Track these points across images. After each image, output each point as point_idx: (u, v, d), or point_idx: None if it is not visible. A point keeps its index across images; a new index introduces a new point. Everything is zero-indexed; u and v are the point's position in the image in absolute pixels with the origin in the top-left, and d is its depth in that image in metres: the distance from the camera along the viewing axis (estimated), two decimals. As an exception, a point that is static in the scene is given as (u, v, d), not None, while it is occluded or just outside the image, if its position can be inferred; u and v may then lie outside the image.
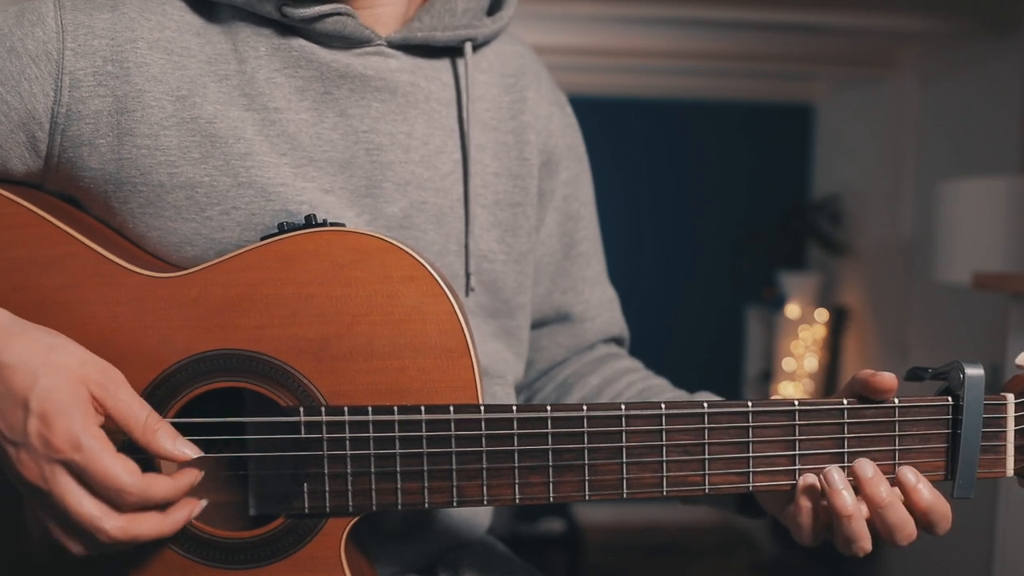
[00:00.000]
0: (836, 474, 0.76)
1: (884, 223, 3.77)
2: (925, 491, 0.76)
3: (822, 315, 4.05)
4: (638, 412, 0.78)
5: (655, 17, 3.09)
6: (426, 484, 0.78)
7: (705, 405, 0.78)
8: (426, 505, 0.78)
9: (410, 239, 0.89)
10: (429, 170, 0.90)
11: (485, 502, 0.79)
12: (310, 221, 0.80)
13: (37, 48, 0.81)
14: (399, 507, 0.78)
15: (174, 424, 0.77)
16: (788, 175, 4.51)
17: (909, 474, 0.77)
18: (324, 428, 0.77)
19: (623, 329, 1.10)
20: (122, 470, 0.70)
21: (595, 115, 4.10)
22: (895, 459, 0.79)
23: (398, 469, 0.78)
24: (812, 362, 4.02)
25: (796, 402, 0.78)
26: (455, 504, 0.79)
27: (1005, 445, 0.79)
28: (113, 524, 0.71)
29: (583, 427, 0.78)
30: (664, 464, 0.78)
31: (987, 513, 2.07)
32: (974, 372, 0.77)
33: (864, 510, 0.76)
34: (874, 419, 0.79)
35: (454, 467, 0.78)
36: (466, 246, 0.92)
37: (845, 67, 3.83)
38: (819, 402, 0.78)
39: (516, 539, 3.36)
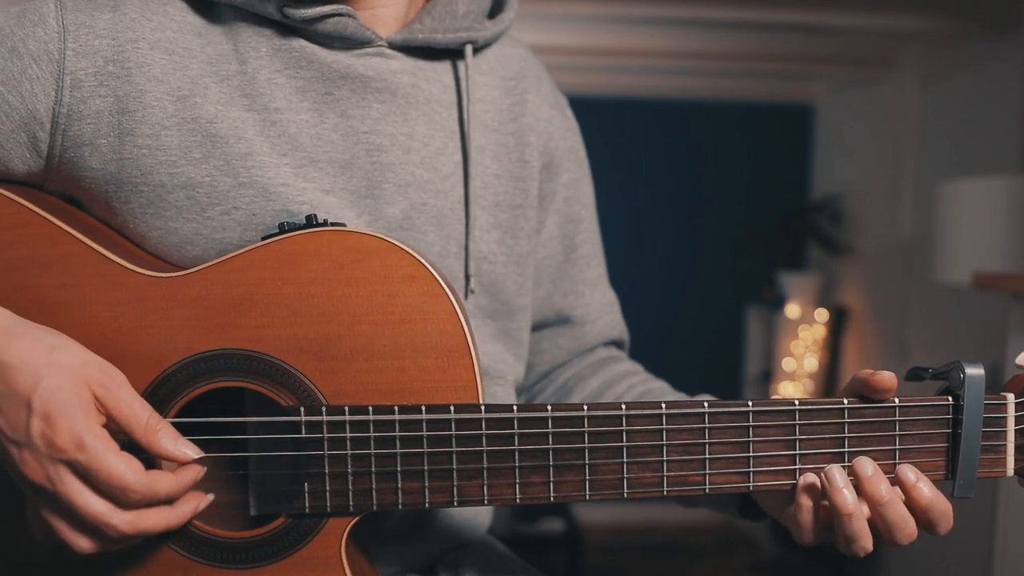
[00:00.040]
0: (837, 472, 0.76)
1: (884, 223, 3.77)
2: (925, 489, 0.76)
3: (822, 315, 4.05)
4: (639, 412, 0.78)
5: (655, 17, 3.09)
6: (427, 484, 0.78)
7: (705, 405, 0.78)
8: (427, 505, 0.78)
9: (410, 241, 0.89)
10: (429, 172, 0.90)
11: (486, 502, 0.79)
12: (311, 221, 0.80)
13: (38, 48, 0.81)
14: (400, 507, 0.78)
15: (175, 424, 0.77)
16: (788, 175, 4.51)
17: (909, 472, 0.77)
18: (325, 428, 0.78)
19: (623, 332, 1.10)
20: (126, 469, 0.71)
21: (595, 115, 4.10)
22: (895, 459, 0.79)
23: (399, 469, 0.78)
24: (812, 362, 4.02)
25: (796, 402, 0.78)
26: (456, 504, 0.79)
27: (1005, 445, 0.79)
28: (121, 519, 0.71)
29: (584, 427, 0.78)
30: (665, 464, 0.78)
31: (987, 513, 2.07)
32: (974, 372, 0.77)
33: (865, 509, 0.76)
34: (874, 419, 0.79)
35: (455, 467, 0.78)
36: (466, 248, 0.92)
37: (845, 67, 3.83)
38: (819, 402, 0.79)
39: (516, 539, 3.36)
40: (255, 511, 0.81)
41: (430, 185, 0.90)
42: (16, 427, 0.71)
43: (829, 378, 3.97)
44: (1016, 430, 0.79)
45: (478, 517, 0.98)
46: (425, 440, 0.77)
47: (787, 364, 4.09)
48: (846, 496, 0.75)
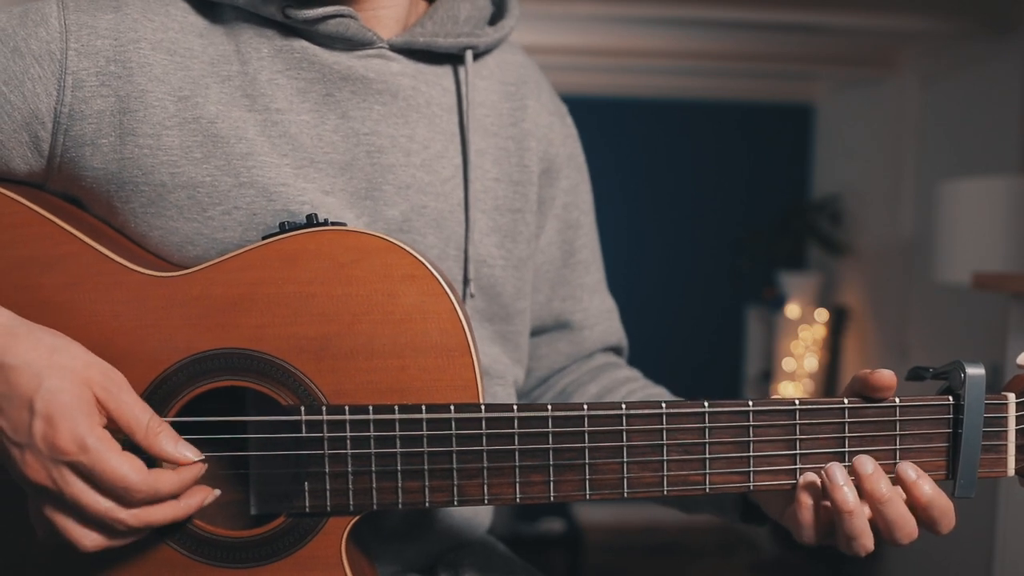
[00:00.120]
0: (838, 470, 0.76)
1: (884, 223, 3.77)
2: (926, 486, 0.76)
3: (822, 315, 4.05)
4: (639, 411, 0.78)
5: (655, 17, 3.09)
6: (427, 483, 0.78)
7: (705, 404, 0.78)
8: (427, 504, 0.78)
9: (409, 243, 0.89)
10: (430, 174, 0.90)
11: (486, 501, 0.79)
12: (311, 221, 0.80)
13: (40, 48, 0.81)
14: (400, 506, 0.78)
15: (175, 423, 0.77)
16: (788, 175, 4.51)
17: (909, 470, 0.77)
18: (325, 427, 0.78)
19: (621, 339, 1.11)
20: (129, 469, 0.71)
21: (595, 115, 4.11)
22: (896, 458, 0.79)
23: (399, 468, 0.78)
24: (812, 362, 4.02)
25: (797, 401, 0.78)
26: (456, 503, 0.79)
27: (1006, 445, 0.79)
28: (128, 512, 0.72)
29: (584, 426, 0.78)
30: (665, 463, 0.78)
31: (987, 513, 2.07)
32: (975, 372, 0.77)
33: (866, 508, 0.76)
34: (875, 418, 0.79)
35: (455, 466, 0.78)
36: (465, 251, 0.92)
37: (845, 67, 3.83)
38: (820, 401, 0.79)
39: (516, 539, 3.36)
40: (255, 510, 0.81)
41: (430, 188, 0.90)
42: (18, 428, 0.71)
43: (829, 378, 3.97)
44: (1017, 430, 0.79)
45: (478, 517, 0.98)
46: (425, 439, 0.77)
47: (787, 364, 4.09)
48: (846, 493, 0.75)
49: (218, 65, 0.85)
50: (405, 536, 0.93)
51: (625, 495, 0.79)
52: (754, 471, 0.79)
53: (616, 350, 1.11)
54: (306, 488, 0.78)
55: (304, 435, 0.78)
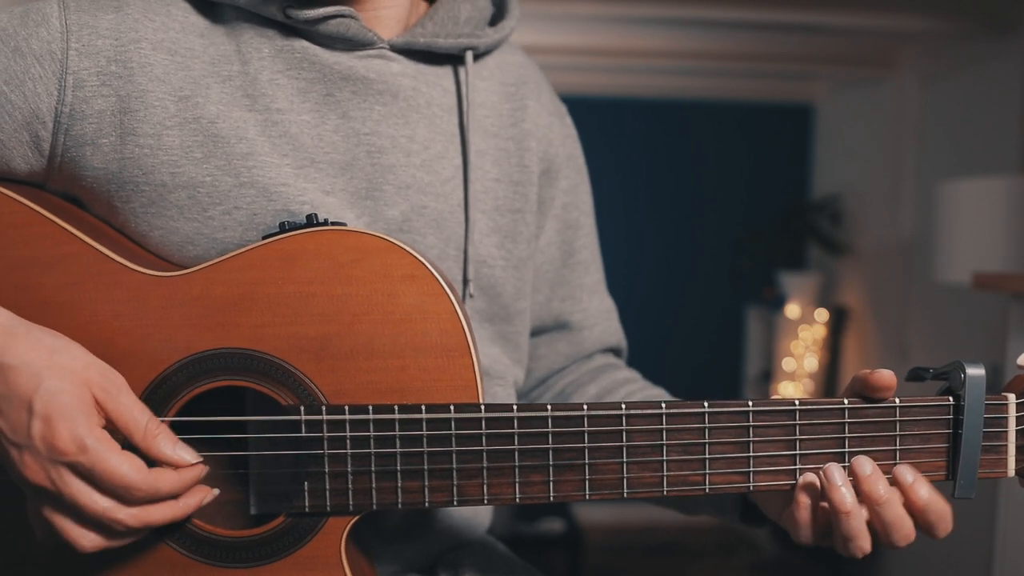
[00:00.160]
0: (836, 471, 0.76)
1: (884, 223, 3.77)
2: (922, 489, 0.76)
3: (822, 315, 4.05)
4: (639, 411, 0.78)
5: (655, 17, 3.08)
6: (426, 483, 0.78)
7: (706, 404, 0.78)
8: (426, 504, 0.78)
9: (409, 243, 0.89)
10: (430, 174, 0.90)
11: (485, 501, 0.79)
12: (311, 220, 0.80)
13: (41, 48, 0.81)
14: (399, 506, 0.78)
15: (175, 423, 0.77)
16: (788, 175, 4.51)
17: (906, 472, 0.77)
18: (325, 427, 0.78)
19: (621, 339, 1.11)
20: (129, 468, 0.71)
21: (595, 115, 4.11)
22: (896, 459, 0.79)
23: (398, 468, 0.78)
24: (812, 362, 4.02)
25: (797, 402, 0.78)
26: (455, 503, 0.79)
27: (1006, 445, 0.79)
28: (127, 512, 0.72)
29: (584, 426, 0.78)
30: (664, 464, 0.78)
31: (987, 513, 2.07)
32: (975, 372, 0.77)
33: (864, 510, 0.76)
34: (875, 419, 0.79)
35: (454, 466, 0.78)
36: (465, 251, 0.92)
37: (845, 67, 3.83)
38: (820, 402, 0.78)
39: (516, 539, 3.36)
40: (255, 510, 0.81)
41: (430, 188, 0.90)
42: (17, 429, 0.71)
43: (829, 378, 3.97)
44: (1017, 430, 0.79)
45: (478, 517, 0.98)
46: (425, 439, 0.77)
47: (787, 364, 4.09)
48: (844, 494, 0.75)
49: (219, 65, 0.85)
50: (405, 536, 0.93)
51: (625, 495, 0.79)
52: (754, 471, 0.79)
53: (615, 351, 1.11)
54: (306, 488, 0.78)
55: (304, 435, 0.78)
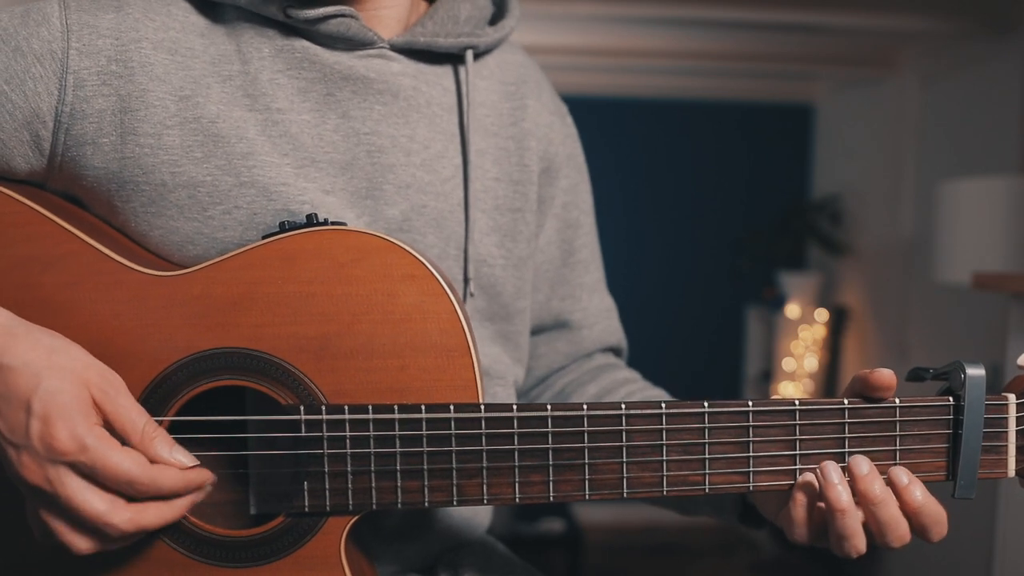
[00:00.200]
0: (833, 469, 0.76)
1: (884, 223, 3.77)
2: (917, 492, 0.76)
3: (822, 315, 4.05)
4: (638, 411, 0.78)
5: (655, 17, 3.08)
6: (426, 483, 0.78)
7: (705, 404, 0.78)
8: (426, 504, 0.78)
9: (409, 242, 0.89)
10: (430, 174, 0.90)
11: (485, 501, 0.79)
12: (311, 220, 0.80)
13: (42, 47, 0.81)
14: (399, 506, 0.78)
15: (175, 422, 0.77)
16: (788, 175, 4.51)
17: (902, 475, 0.77)
18: (324, 427, 0.77)
19: (621, 339, 1.10)
20: (132, 463, 0.71)
21: (595, 115, 4.11)
22: (896, 459, 0.79)
23: (398, 468, 0.78)
24: (812, 362, 4.02)
25: (797, 402, 0.78)
26: (455, 503, 0.79)
27: (1006, 446, 0.79)
28: (121, 517, 0.71)
29: (583, 426, 0.78)
30: (664, 464, 0.78)
31: (987, 513, 2.07)
32: (975, 372, 0.77)
33: (860, 511, 0.76)
34: (875, 419, 0.79)
35: (454, 466, 0.78)
36: (465, 251, 0.92)
37: (845, 67, 3.83)
38: (820, 402, 0.78)
39: (516, 539, 3.36)
40: (255, 510, 0.81)
41: (430, 187, 0.90)
42: (15, 429, 0.71)
43: (829, 378, 3.97)
44: (1017, 431, 0.79)
45: (477, 517, 0.98)
46: (425, 439, 0.77)
47: (787, 364, 4.09)
48: (840, 492, 0.75)
49: (219, 65, 0.85)
50: (404, 536, 0.93)
51: (625, 495, 0.79)
52: (754, 471, 0.79)
53: (615, 350, 1.11)
54: (305, 488, 0.78)
55: (303, 435, 0.78)
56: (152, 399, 0.78)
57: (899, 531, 0.76)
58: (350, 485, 0.78)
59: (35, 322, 0.76)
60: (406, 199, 0.89)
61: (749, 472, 0.79)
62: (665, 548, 4.22)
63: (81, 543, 0.73)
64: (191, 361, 0.79)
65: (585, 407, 0.78)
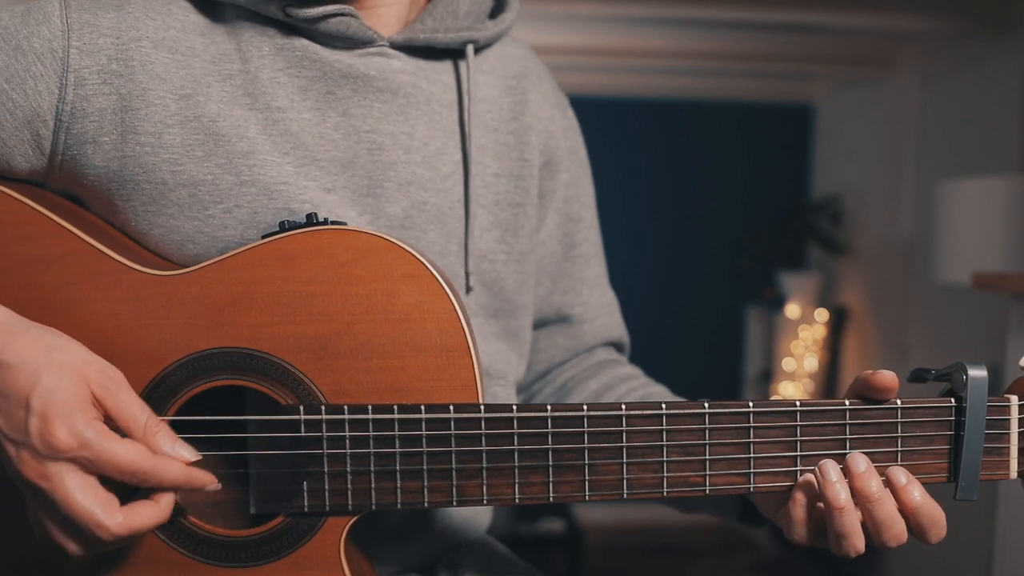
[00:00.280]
0: (832, 468, 0.76)
1: (884, 223, 3.77)
2: (915, 492, 0.76)
3: (822, 315, 4.05)
4: (639, 412, 0.78)
5: (655, 17, 3.08)
6: (426, 483, 0.78)
7: (706, 405, 0.78)
8: (426, 504, 0.78)
9: (411, 239, 0.89)
10: (430, 171, 0.90)
11: (485, 502, 0.79)
12: (311, 220, 0.80)
13: (43, 46, 0.81)
14: (399, 506, 0.78)
15: (175, 422, 0.77)
16: (788, 175, 4.51)
17: (900, 474, 0.77)
18: (324, 427, 0.77)
19: (622, 334, 1.10)
20: (136, 454, 0.71)
21: (595, 115, 4.10)
22: (897, 460, 0.79)
23: (398, 468, 0.77)
24: (812, 362, 4.02)
25: (798, 403, 0.78)
26: (455, 504, 0.78)
27: (1008, 447, 0.79)
28: (114, 521, 0.71)
29: (583, 427, 0.77)
30: (665, 464, 0.78)
31: (987, 513, 2.07)
32: (977, 373, 0.77)
33: (858, 509, 0.76)
34: (876, 420, 0.78)
35: (454, 466, 0.78)
36: (465, 246, 0.92)
37: (845, 67, 3.83)
38: (821, 403, 0.78)
39: (516, 539, 3.36)
40: (255, 510, 0.81)
41: (430, 184, 0.90)
42: (14, 426, 0.71)
43: (829, 378, 3.97)
44: (1020, 432, 0.79)
45: (477, 517, 0.98)
46: (424, 439, 0.77)
47: (787, 364, 4.09)
48: (838, 490, 0.75)
49: (219, 64, 0.84)
50: (404, 536, 0.93)
51: (625, 496, 0.79)
52: (754, 472, 0.79)
53: (617, 345, 1.11)
54: (305, 488, 0.78)
55: (303, 435, 0.77)
56: (152, 398, 0.78)
57: (895, 530, 0.76)
58: (349, 485, 0.78)
59: (35, 321, 0.76)
60: (407, 196, 0.89)
61: (750, 473, 0.78)
62: (665, 548, 4.22)
63: (72, 545, 0.72)
64: (191, 361, 0.79)
65: (585, 408, 0.78)
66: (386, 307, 0.78)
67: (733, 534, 4.35)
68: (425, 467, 0.77)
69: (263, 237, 0.80)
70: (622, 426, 0.78)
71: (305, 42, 0.86)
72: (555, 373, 1.07)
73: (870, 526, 0.76)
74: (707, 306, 4.50)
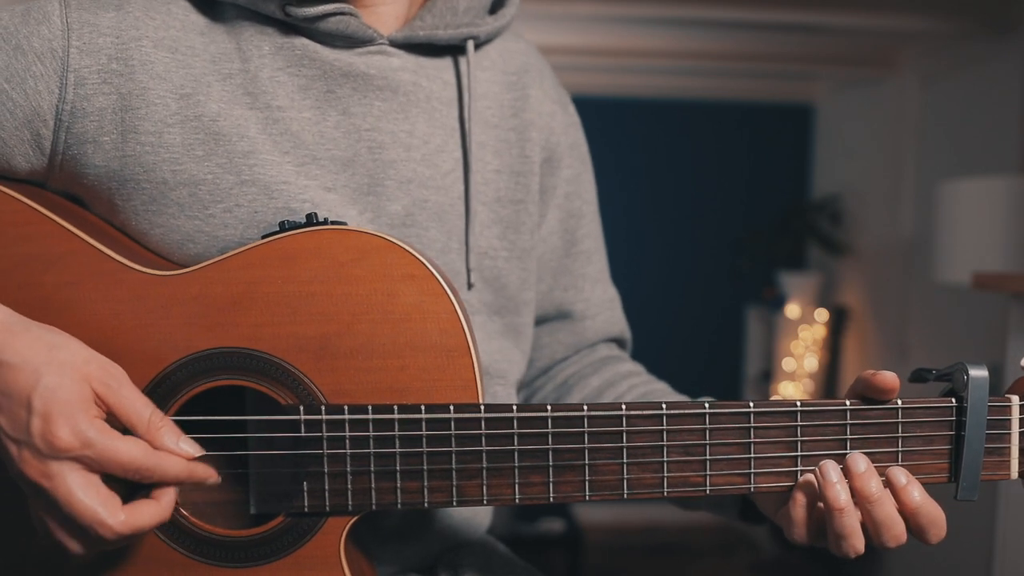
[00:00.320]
0: (832, 468, 0.76)
1: (884, 223, 3.77)
2: (914, 492, 0.76)
3: (822, 315, 4.05)
4: (639, 412, 0.78)
5: (655, 17, 3.08)
6: (426, 483, 0.78)
7: (707, 405, 0.78)
8: (426, 505, 0.78)
9: (412, 237, 0.89)
10: (430, 168, 0.90)
11: (485, 502, 0.79)
12: (311, 220, 0.80)
13: (43, 46, 0.81)
14: (399, 506, 0.78)
15: (175, 422, 0.77)
16: (788, 175, 4.51)
17: (900, 475, 0.77)
18: (324, 427, 0.77)
19: (624, 330, 1.10)
20: (139, 451, 0.71)
21: (595, 115, 4.10)
22: (898, 460, 0.79)
23: (398, 468, 0.77)
24: (812, 362, 4.02)
25: (798, 403, 0.78)
26: (455, 504, 0.78)
27: (1009, 447, 0.79)
28: (116, 519, 0.71)
29: (584, 427, 0.77)
30: (665, 464, 0.78)
31: (987, 513, 2.07)
32: (978, 373, 0.77)
33: (858, 511, 0.76)
34: (877, 420, 0.78)
35: (454, 466, 0.78)
36: (466, 243, 0.92)
37: (845, 67, 3.83)
38: (821, 403, 0.78)
39: (516, 539, 3.36)
40: (255, 510, 0.80)
41: (431, 182, 0.90)
42: (16, 426, 0.71)
43: (829, 378, 3.97)
44: (1021, 433, 0.79)
45: (477, 517, 0.98)
46: (424, 440, 0.77)
47: (787, 364, 4.09)
48: (839, 491, 0.75)
49: (219, 63, 0.84)
50: (404, 536, 0.93)
51: (625, 496, 0.79)
52: (755, 472, 0.78)
53: (619, 341, 1.11)
54: (305, 488, 0.78)
55: (303, 435, 0.77)
56: (152, 398, 0.78)
57: (895, 531, 0.76)
58: (350, 485, 0.78)
59: (35, 320, 0.76)
60: (407, 194, 0.89)
61: (750, 473, 0.78)
62: (665, 548, 4.22)
63: (74, 544, 0.72)
64: (190, 361, 0.79)
65: (585, 408, 0.77)
66: (386, 307, 0.78)
67: (733, 534, 4.35)
68: (425, 467, 0.77)
69: (263, 237, 0.80)
70: (622, 426, 0.78)
71: (305, 41, 0.86)
72: (557, 369, 1.07)
73: (869, 526, 0.76)
74: (707, 306, 4.50)
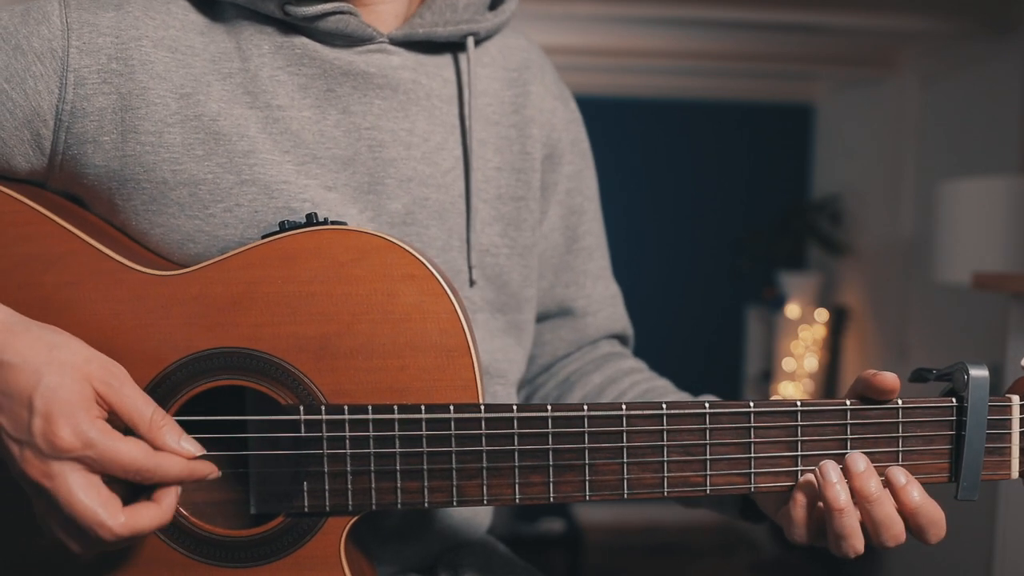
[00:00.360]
0: (832, 468, 0.76)
1: (884, 223, 3.77)
2: (914, 492, 0.76)
3: (822, 315, 4.05)
4: (639, 412, 0.78)
5: (655, 17, 3.08)
6: (426, 483, 0.78)
7: (707, 405, 0.78)
8: (426, 504, 0.78)
9: (412, 235, 0.89)
10: (431, 166, 0.90)
11: (485, 502, 0.79)
12: (311, 219, 0.80)
13: (42, 46, 0.81)
14: (399, 506, 0.78)
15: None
16: (788, 175, 4.51)
17: (899, 474, 0.77)
18: (324, 427, 0.77)
19: (626, 326, 1.10)
20: (139, 452, 0.71)
21: (595, 115, 4.10)
22: (898, 460, 0.78)
23: (398, 468, 0.77)
24: (812, 362, 4.02)
25: (799, 403, 0.78)
26: (455, 504, 0.78)
27: (1010, 447, 0.79)
28: (116, 521, 0.71)
29: (584, 427, 0.77)
30: (665, 464, 0.78)
31: (987, 513, 2.07)
32: (978, 373, 0.77)
33: (858, 511, 0.76)
34: (877, 420, 0.78)
35: (454, 466, 0.77)
36: (467, 241, 0.92)
37: (845, 67, 3.83)
38: (822, 403, 0.78)
39: (516, 539, 3.36)
40: (255, 510, 0.80)
41: (431, 180, 0.90)
42: (18, 426, 0.71)
43: (829, 378, 3.97)
44: (1021, 432, 0.79)
45: (478, 517, 0.98)
46: (424, 440, 0.77)
47: (787, 364, 4.09)
48: (838, 491, 0.75)
49: (219, 62, 0.84)
50: (404, 536, 0.93)
51: (625, 496, 0.79)
52: (755, 472, 0.78)
53: (621, 338, 1.11)
54: (305, 488, 0.78)
55: (303, 435, 0.77)
56: (152, 398, 0.78)
57: (894, 530, 0.76)
58: (350, 485, 0.78)
59: (35, 320, 0.76)
60: (408, 192, 0.89)
61: (750, 473, 0.78)
62: (665, 548, 4.22)
63: (75, 545, 0.73)
64: (191, 361, 0.79)
65: (586, 407, 0.77)
66: (386, 307, 0.78)
67: (733, 534, 4.35)
68: (425, 467, 0.77)
69: (263, 237, 0.80)
70: (622, 426, 0.77)
71: (304, 40, 0.86)
72: (559, 366, 1.07)
73: (868, 526, 0.76)
74: (707, 306, 4.50)
